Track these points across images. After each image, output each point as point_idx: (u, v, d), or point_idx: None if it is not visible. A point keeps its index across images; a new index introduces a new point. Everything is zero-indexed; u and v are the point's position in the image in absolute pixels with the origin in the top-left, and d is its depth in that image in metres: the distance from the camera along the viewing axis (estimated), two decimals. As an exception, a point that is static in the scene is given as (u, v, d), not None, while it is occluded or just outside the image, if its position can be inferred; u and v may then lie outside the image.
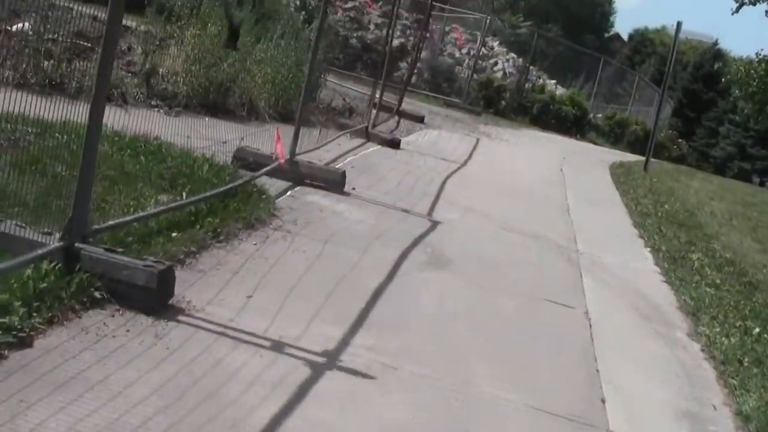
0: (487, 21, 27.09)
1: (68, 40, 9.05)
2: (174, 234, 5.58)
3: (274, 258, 6.01)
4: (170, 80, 10.70)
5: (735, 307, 7.75)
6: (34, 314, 3.95)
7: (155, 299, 4.49)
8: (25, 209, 4.72)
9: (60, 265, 4.34)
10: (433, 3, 19.71)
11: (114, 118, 7.00)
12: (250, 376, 4.08)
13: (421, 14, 20.17)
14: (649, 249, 9.72)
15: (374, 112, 13.70)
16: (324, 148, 10.35)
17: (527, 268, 7.76)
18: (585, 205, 12.09)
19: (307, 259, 6.20)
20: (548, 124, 24.67)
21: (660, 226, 11.19)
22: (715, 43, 49.44)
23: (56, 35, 8.84)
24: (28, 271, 4.19)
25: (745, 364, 6.18)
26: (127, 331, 4.21)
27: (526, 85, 26.10)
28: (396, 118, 16.00)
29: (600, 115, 28.39)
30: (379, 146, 12.45)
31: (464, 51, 26.74)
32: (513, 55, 28.23)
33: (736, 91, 38.36)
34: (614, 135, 27.15)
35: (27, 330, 3.83)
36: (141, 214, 5.50)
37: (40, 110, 4.59)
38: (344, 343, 4.82)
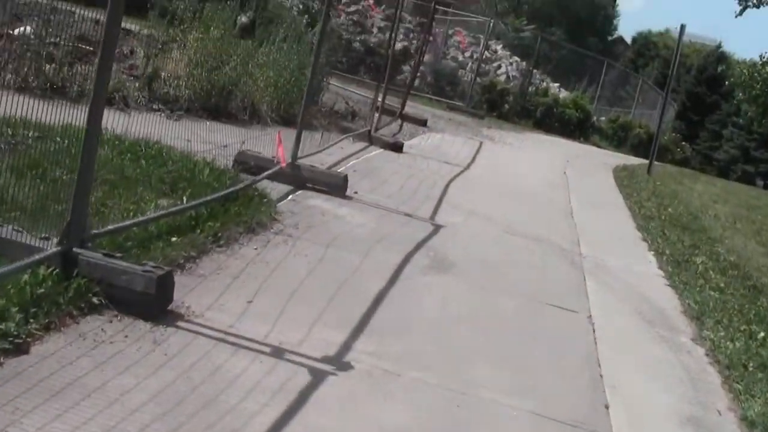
0: (491, 24, 27.07)
1: (70, 44, 9.02)
2: (174, 238, 5.54)
3: (275, 262, 5.97)
4: (172, 84, 10.68)
5: (739, 311, 7.70)
6: (31, 320, 3.92)
7: (154, 305, 4.45)
8: (23, 214, 4.69)
9: (58, 270, 4.31)
10: (437, 6, 19.67)
11: (115, 121, 7.01)
12: (249, 383, 4.04)
13: (425, 17, 20.11)
14: (652, 252, 9.67)
15: (377, 115, 13.66)
16: (326, 152, 10.31)
17: (530, 271, 7.72)
18: (588, 208, 12.05)
19: (308, 263, 6.16)
20: (551, 127, 24.62)
21: (663, 229, 11.14)
22: (719, 46, 49.40)
23: (58, 39, 8.81)
24: (26, 277, 4.15)
25: (750, 368, 6.13)
26: (125, 337, 4.18)
27: (530, 89, 26.05)
28: (399, 121, 15.97)
29: (603, 119, 28.34)
30: (382, 150, 12.42)
31: (467, 54, 26.71)
32: (516, 58, 28.18)
33: (740, 94, 38.29)
34: (618, 138, 27.10)
35: (23, 336, 3.79)
36: (141, 218, 5.47)
37: (40, 114, 4.56)
38: (345, 348, 4.78)
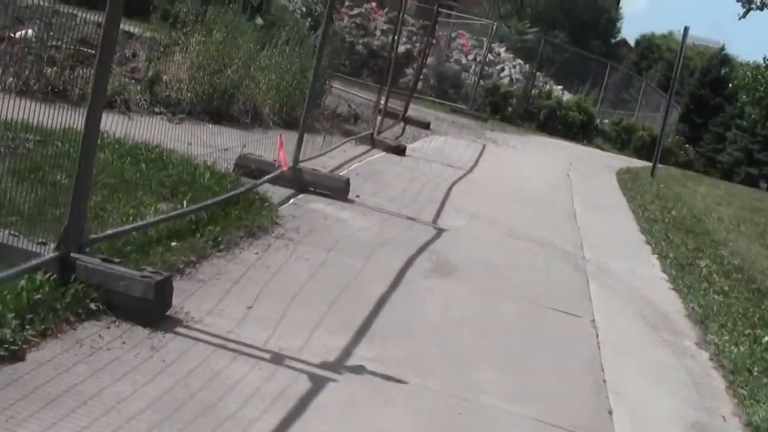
0: (494, 27, 27.05)
1: (72, 47, 9.00)
2: (174, 243, 5.50)
3: (276, 267, 5.93)
4: (174, 87, 10.64)
5: (744, 314, 7.65)
6: (27, 327, 3.87)
7: (152, 310, 4.40)
8: (21, 218, 4.65)
9: (55, 275, 4.26)
10: (440, 9, 19.64)
11: (116, 125, 6.96)
12: (249, 389, 3.99)
13: (428, 20, 20.06)
14: (656, 255, 9.62)
15: (379, 118, 13.63)
16: (328, 155, 10.27)
17: (533, 275, 7.67)
18: (592, 211, 12.00)
19: (309, 268, 6.12)
20: (555, 129, 24.58)
21: (667, 232, 11.09)
22: (722, 49, 49.27)
23: (60, 42, 8.78)
24: (22, 282, 4.11)
25: (755, 373, 6.08)
26: (123, 343, 4.13)
27: (533, 91, 25.99)
28: (402, 124, 15.93)
29: (607, 121, 28.29)
30: (385, 153, 12.37)
31: (471, 57, 26.68)
32: (520, 61, 28.15)
33: (744, 97, 38.20)
34: (621, 141, 27.04)
35: (19, 343, 3.75)
36: (140, 223, 5.43)
37: (41, 117, 4.53)
38: (346, 353, 4.73)
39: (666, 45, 56.91)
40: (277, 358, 4.42)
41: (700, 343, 6.66)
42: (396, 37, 15.41)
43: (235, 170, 7.96)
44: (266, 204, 7.22)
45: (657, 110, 31.74)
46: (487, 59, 26.33)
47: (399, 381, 4.55)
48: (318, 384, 4.25)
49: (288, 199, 7.93)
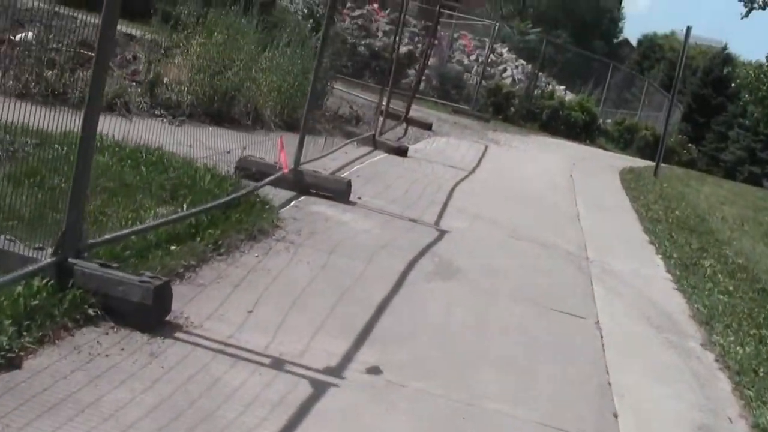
0: (496, 28, 27.00)
1: (72, 50, 8.96)
2: (173, 247, 5.44)
3: (277, 270, 5.88)
4: (174, 89, 10.60)
5: (749, 315, 7.59)
6: (24, 333, 3.81)
7: (151, 316, 4.35)
8: (18, 223, 4.60)
9: (52, 281, 4.21)
10: (441, 10, 19.60)
11: (116, 127, 6.92)
12: (249, 396, 3.94)
13: (429, 21, 20.04)
14: (660, 256, 9.57)
15: (381, 119, 13.58)
16: (330, 157, 10.22)
17: (536, 276, 7.62)
18: (595, 211, 11.94)
19: (310, 271, 6.07)
20: (557, 130, 24.53)
21: (671, 232, 11.04)
22: (725, 48, 49.29)
23: (60, 44, 8.74)
24: (19, 288, 4.05)
25: (761, 374, 6.02)
26: (122, 349, 4.08)
27: (535, 92, 25.95)
28: (404, 125, 15.89)
29: (609, 121, 28.25)
30: (387, 154, 12.32)
31: (473, 58, 26.64)
32: (522, 61, 28.10)
33: (746, 96, 38.18)
34: (624, 140, 27.00)
35: (16, 350, 3.69)
36: (139, 227, 5.37)
37: (41, 121, 4.47)
38: (347, 358, 4.68)
39: (668, 45, 56.91)
40: (278, 364, 4.37)
41: (706, 344, 6.61)
42: (398, 38, 15.36)
43: (236, 173, 7.92)
44: (267, 207, 7.17)
45: (660, 110, 31.70)
46: (489, 60, 26.29)
47: (401, 385, 4.50)
48: (319, 389, 4.19)
49: (289, 201, 7.88)
